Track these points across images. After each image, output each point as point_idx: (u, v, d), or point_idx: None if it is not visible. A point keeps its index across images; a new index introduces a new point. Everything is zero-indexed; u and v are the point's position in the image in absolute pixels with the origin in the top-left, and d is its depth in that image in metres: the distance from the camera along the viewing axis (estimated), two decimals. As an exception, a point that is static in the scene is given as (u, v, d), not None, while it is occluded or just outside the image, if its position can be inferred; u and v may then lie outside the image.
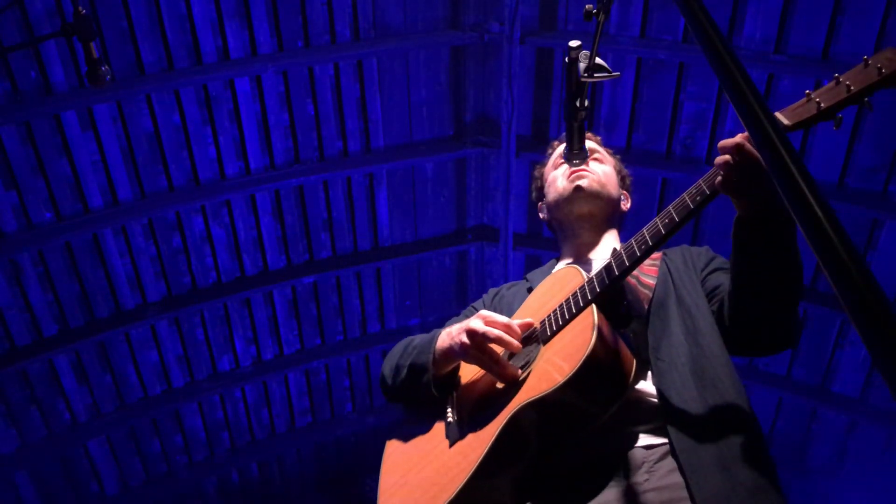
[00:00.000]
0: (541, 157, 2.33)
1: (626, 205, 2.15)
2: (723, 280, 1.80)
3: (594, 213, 2.02)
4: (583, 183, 2.02)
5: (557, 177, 2.10)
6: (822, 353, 5.17)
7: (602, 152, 2.16)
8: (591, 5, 1.54)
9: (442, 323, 1.99)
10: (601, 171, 2.08)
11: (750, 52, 4.35)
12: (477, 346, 1.69)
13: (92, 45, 2.23)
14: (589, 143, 2.07)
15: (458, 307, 5.94)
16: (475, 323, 1.72)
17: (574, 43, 1.65)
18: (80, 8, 2.19)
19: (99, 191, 4.62)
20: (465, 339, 1.71)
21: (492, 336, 1.69)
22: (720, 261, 1.91)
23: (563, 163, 2.10)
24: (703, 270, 1.88)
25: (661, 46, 4.56)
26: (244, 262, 5.22)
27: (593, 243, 2.03)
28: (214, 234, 5.07)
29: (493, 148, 5.16)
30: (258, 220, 5.11)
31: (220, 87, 4.60)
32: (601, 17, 1.55)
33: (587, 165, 2.02)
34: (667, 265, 1.87)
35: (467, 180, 5.45)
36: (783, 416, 5.55)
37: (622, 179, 2.17)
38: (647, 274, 1.87)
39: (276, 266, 5.32)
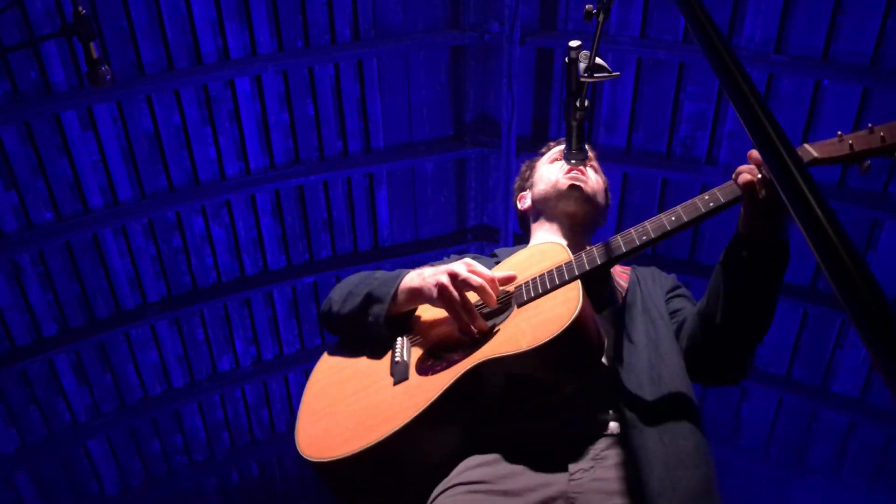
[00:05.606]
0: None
1: (603, 222, 2.17)
2: (685, 305, 1.85)
3: (580, 215, 2.04)
4: (580, 184, 2.04)
5: (553, 171, 2.11)
6: (822, 353, 5.17)
7: (597, 165, 2.20)
8: (591, 5, 1.55)
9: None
10: (595, 179, 2.11)
11: (750, 52, 4.35)
12: (456, 290, 1.68)
13: (92, 45, 2.23)
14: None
15: (458, 307, 5.96)
16: (459, 267, 1.71)
17: (574, 43, 1.65)
18: (80, 8, 2.19)
19: (99, 191, 4.62)
20: (444, 279, 1.69)
21: (474, 283, 1.68)
22: (685, 290, 1.96)
23: (559, 160, 2.12)
24: (668, 292, 1.92)
25: (661, 46, 4.56)
26: (244, 262, 5.22)
27: (568, 245, 2.04)
28: (214, 234, 5.06)
29: (493, 148, 5.16)
30: (258, 220, 5.11)
31: (220, 87, 4.60)
32: (601, 17, 1.55)
33: (584, 172, 2.05)
34: (636, 276, 1.92)
35: (467, 180, 5.45)
36: (783, 416, 5.54)
37: (607, 196, 2.20)
38: (620, 277, 1.91)
39: (276, 266, 5.32)
